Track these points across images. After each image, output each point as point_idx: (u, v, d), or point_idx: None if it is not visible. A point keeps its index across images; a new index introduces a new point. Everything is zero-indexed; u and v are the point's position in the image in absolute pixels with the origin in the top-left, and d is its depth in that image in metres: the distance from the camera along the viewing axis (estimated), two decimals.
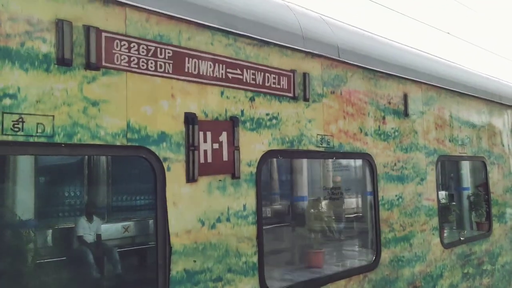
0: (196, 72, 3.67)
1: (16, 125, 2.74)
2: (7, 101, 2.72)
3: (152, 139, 3.36)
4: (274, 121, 4.27)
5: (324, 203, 11.13)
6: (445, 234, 7.53)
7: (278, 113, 4.32)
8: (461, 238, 7.09)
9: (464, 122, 7.27)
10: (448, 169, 10.97)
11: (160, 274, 3.35)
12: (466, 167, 9.96)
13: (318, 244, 9.62)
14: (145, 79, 3.35)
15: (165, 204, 3.39)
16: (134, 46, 3.29)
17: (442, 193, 9.84)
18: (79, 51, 3.02)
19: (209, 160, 3.69)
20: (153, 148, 3.36)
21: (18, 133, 2.74)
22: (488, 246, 7.60)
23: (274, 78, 4.29)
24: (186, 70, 3.60)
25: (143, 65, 3.33)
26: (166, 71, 3.47)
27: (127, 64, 3.24)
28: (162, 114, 3.43)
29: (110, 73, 3.16)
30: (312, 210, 10.69)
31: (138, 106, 3.30)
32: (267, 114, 4.22)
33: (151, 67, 3.38)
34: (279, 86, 4.34)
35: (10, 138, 2.72)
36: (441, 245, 6.36)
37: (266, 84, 4.22)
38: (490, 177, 7.97)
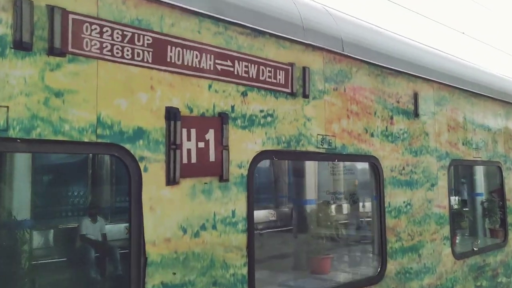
0: (180, 62, 3.29)
1: None
2: None
3: (126, 136, 2.99)
4: (269, 118, 3.89)
5: (333, 207, 10.77)
6: (456, 241, 7.10)
7: (273, 110, 3.93)
8: (474, 249, 6.63)
9: (479, 124, 6.82)
10: (459, 173, 10.55)
11: None
12: (479, 172, 9.52)
13: (324, 249, 9.27)
14: (119, 68, 2.98)
15: (140, 208, 3.02)
16: (107, 31, 2.92)
17: (453, 199, 9.43)
18: (41, 34, 2.67)
19: (193, 160, 3.32)
20: (127, 145, 2.99)
21: None
22: (503, 257, 7.12)
23: (270, 71, 3.91)
24: (168, 59, 3.23)
25: (117, 53, 2.97)
26: (145, 60, 3.11)
27: (98, 51, 2.88)
28: (139, 107, 3.07)
29: (78, 60, 2.80)
30: (319, 214, 10.36)
31: (110, 98, 2.93)
32: (261, 111, 3.84)
33: (127, 55, 3.02)
34: (275, 81, 3.95)
35: None
36: (452, 256, 5.92)
37: (261, 78, 3.84)
38: (506, 183, 7.50)
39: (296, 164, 10.38)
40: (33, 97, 2.61)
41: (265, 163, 10.80)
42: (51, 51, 2.68)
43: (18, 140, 2.55)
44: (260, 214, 11.53)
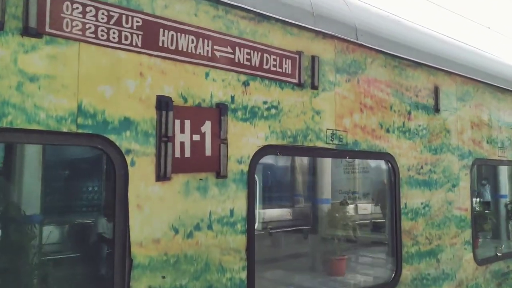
0: (173, 48, 3.02)
1: None
2: None
3: (111, 126, 2.73)
4: (273, 111, 3.59)
5: (349, 207, 10.41)
6: (478, 245, 6.71)
7: (278, 102, 3.63)
8: (498, 254, 6.21)
9: (505, 121, 6.39)
10: (482, 173, 10.11)
11: None
12: (504, 173, 9.06)
13: (340, 250, 8.96)
14: (104, 52, 2.72)
15: (126, 206, 2.77)
16: (91, 11, 2.67)
17: (475, 200, 9.03)
18: (15, 12, 2.42)
19: (187, 154, 3.04)
20: (112, 137, 2.73)
21: None
22: None
23: (275, 60, 3.60)
24: (160, 44, 2.96)
25: (102, 35, 2.71)
26: (134, 44, 2.84)
27: (80, 33, 2.62)
28: (126, 96, 2.80)
29: (57, 42, 2.55)
30: (334, 214, 10.04)
31: (93, 85, 2.67)
32: (265, 103, 3.54)
33: (114, 38, 2.76)
34: (280, 70, 3.65)
35: None
36: (474, 262, 5.53)
37: (265, 67, 3.54)
38: None
39: (311, 162, 10.06)
40: (4, 81, 2.37)
41: (279, 160, 10.51)
42: (26, 31, 2.43)
43: None
44: (273, 213, 11.28)
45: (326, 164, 9.92)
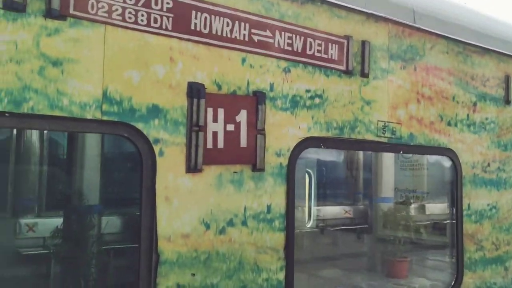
0: (206, 31, 2.84)
1: None
2: None
3: (138, 114, 2.60)
4: (317, 100, 3.32)
5: (411, 207, 9.91)
6: None
7: (323, 91, 3.36)
8: None
9: None
10: None
11: None
12: None
13: (401, 252, 8.54)
14: (132, 36, 2.59)
15: (153, 198, 2.62)
16: None
17: None
18: None
19: (220, 145, 2.85)
20: (139, 125, 2.60)
21: None
22: None
23: (320, 45, 3.33)
24: (192, 27, 2.79)
25: (130, 18, 2.57)
26: (164, 27, 2.69)
27: (106, 15, 2.50)
28: (154, 82, 2.66)
29: (82, 25, 2.44)
30: (396, 214, 9.60)
31: (120, 70, 2.55)
32: (308, 91, 3.28)
33: (142, 20, 2.61)
34: (326, 56, 3.37)
35: None
36: None
37: (308, 52, 3.28)
38: None
39: (370, 156, 9.62)
40: (26, 65, 2.29)
41: (334, 155, 10.16)
42: (49, 14, 2.34)
43: (7, 114, 2.24)
44: (331, 211, 10.99)
45: (388, 159, 9.46)
